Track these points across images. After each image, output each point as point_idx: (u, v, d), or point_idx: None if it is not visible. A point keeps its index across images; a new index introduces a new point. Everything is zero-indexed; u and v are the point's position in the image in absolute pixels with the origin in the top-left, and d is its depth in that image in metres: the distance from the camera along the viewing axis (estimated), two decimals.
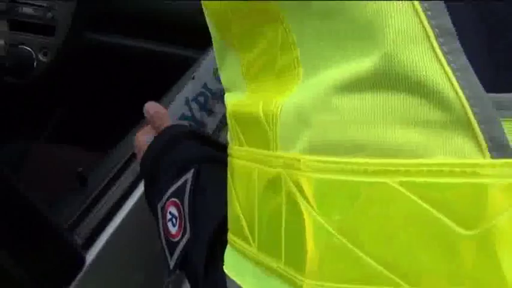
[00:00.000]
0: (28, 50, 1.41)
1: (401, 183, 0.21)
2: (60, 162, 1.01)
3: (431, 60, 0.20)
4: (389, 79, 0.21)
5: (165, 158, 0.46)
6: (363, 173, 0.22)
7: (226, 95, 0.32)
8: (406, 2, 0.20)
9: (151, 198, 0.46)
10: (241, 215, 0.29)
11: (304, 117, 0.24)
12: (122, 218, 0.64)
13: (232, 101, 0.31)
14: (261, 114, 0.26)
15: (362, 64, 0.22)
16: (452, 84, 0.20)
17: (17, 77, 1.38)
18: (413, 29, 0.20)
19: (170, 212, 0.42)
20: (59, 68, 1.40)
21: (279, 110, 0.25)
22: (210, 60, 0.51)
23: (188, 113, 0.49)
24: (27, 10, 1.44)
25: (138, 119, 0.89)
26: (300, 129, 0.24)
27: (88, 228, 0.61)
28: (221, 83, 0.51)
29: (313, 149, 0.23)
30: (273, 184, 0.26)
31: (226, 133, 0.50)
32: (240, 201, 0.29)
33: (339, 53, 0.23)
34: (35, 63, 1.41)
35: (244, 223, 0.29)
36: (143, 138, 0.51)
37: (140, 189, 0.69)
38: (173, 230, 0.42)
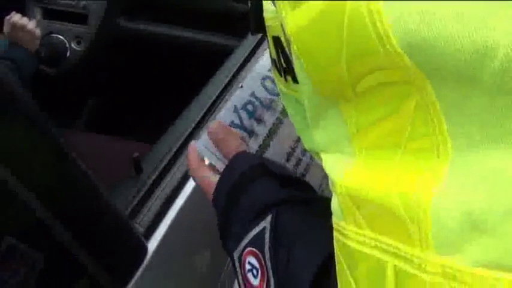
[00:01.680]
0: (61, 39, 1.40)
1: None
2: (109, 151, 1.00)
3: None
4: None
5: (240, 198, 0.42)
6: None
7: (323, 156, 0.26)
8: None
9: (226, 239, 0.43)
10: None
11: (482, 225, 0.18)
12: (180, 204, 0.62)
13: (340, 168, 0.25)
14: (399, 204, 0.21)
15: None
16: None
17: (50, 66, 1.37)
18: None
19: (249, 262, 0.38)
20: (93, 56, 1.39)
21: (428, 204, 0.20)
22: (258, 69, 0.48)
23: (237, 121, 0.46)
24: None
25: (175, 108, 0.87)
26: (470, 234, 0.19)
27: (148, 216, 0.58)
28: (269, 92, 0.47)
29: (493, 263, 0.18)
30: None
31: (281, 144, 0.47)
32: None
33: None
34: (68, 52, 1.40)
35: None
36: (195, 155, 0.46)
37: None
38: (255, 281, 0.38)
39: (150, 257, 0.55)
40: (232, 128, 0.46)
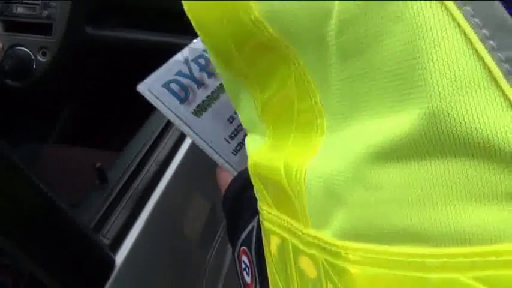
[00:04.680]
0: (26, 51, 1.36)
1: (478, 279, 0.15)
2: (74, 162, 0.96)
3: (503, 110, 0.14)
4: (442, 141, 0.15)
5: (244, 195, 0.41)
6: (425, 268, 0.16)
7: (247, 138, 0.27)
8: (454, 30, 0.14)
9: (231, 236, 0.43)
10: None
11: (335, 192, 0.18)
12: (148, 213, 0.59)
13: (253, 148, 0.25)
14: (284, 178, 0.21)
15: (401, 122, 0.16)
16: None
17: (16, 80, 1.33)
18: (471, 69, 0.14)
19: (244, 261, 0.39)
20: (60, 67, 1.35)
21: (303, 176, 0.20)
22: None
23: (186, 71, 0.46)
24: (22, 10, 1.40)
25: (147, 113, 0.85)
26: (331, 205, 0.19)
27: (114, 227, 0.56)
28: None
29: (351, 234, 0.18)
30: (309, 267, 0.21)
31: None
32: (280, 277, 0.24)
33: (369, 105, 0.17)
34: (34, 64, 1.36)
35: None
36: (225, 174, 0.46)
37: (165, 181, 0.64)
38: (248, 279, 0.38)
39: (118, 270, 0.52)
40: (178, 77, 0.45)
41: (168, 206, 0.63)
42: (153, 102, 0.44)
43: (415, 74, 0.15)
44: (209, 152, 0.45)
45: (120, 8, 1.37)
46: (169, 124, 0.73)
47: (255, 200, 0.39)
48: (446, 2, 0.14)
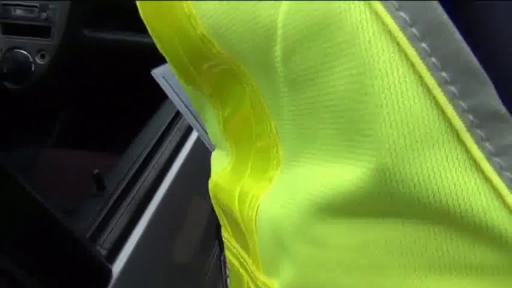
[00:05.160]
0: (24, 54, 1.35)
1: None
2: (72, 166, 0.95)
3: (466, 171, 0.12)
4: (395, 203, 0.13)
5: None
6: None
7: (213, 153, 0.25)
8: (408, 70, 0.12)
9: (219, 237, 0.42)
10: None
11: (282, 240, 0.16)
12: (146, 222, 0.58)
13: (217, 167, 0.22)
14: (237, 210, 0.19)
15: (348, 176, 0.14)
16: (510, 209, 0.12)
17: (15, 83, 1.32)
18: (427, 120, 0.12)
19: (227, 268, 0.38)
20: (59, 69, 1.34)
21: (254, 212, 0.17)
22: None
23: None
24: (20, 12, 1.39)
25: (146, 115, 0.83)
26: (280, 254, 0.17)
27: (112, 236, 0.54)
28: None
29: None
30: None
31: None
32: None
33: (317, 148, 0.15)
34: (32, 67, 1.35)
35: None
36: None
37: (164, 187, 0.63)
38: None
39: (115, 281, 0.51)
40: None
41: (167, 214, 0.62)
42: (165, 89, 0.43)
43: (363, 120, 0.12)
44: None
45: (118, 10, 1.36)
46: (168, 130, 0.72)
47: None
48: (399, 34, 0.11)
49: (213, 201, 0.22)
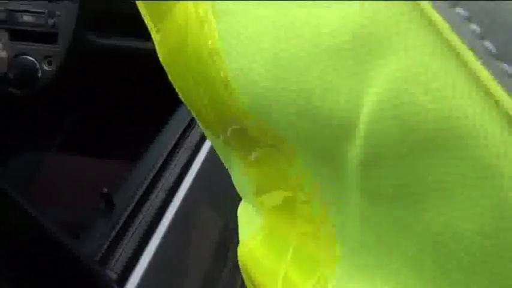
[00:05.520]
0: (31, 60, 1.35)
1: None
2: (77, 173, 0.94)
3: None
4: None
5: None
6: None
7: (240, 206, 0.21)
8: None
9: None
10: None
11: None
12: (157, 244, 0.56)
13: (247, 230, 0.19)
14: None
15: None
16: None
17: (21, 89, 1.32)
18: None
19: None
20: (66, 75, 1.33)
21: None
22: None
23: None
24: (28, 18, 1.38)
25: (154, 122, 0.82)
26: None
27: (122, 259, 0.53)
28: None
29: None
30: None
31: None
32: None
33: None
34: (39, 73, 1.34)
35: None
36: None
37: (174, 207, 0.61)
38: None
39: None
40: None
41: (178, 233, 0.60)
42: None
43: None
44: None
45: (125, 16, 1.35)
46: (176, 146, 0.70)
47: None
48: None
49: (244, 276, 0.19)
